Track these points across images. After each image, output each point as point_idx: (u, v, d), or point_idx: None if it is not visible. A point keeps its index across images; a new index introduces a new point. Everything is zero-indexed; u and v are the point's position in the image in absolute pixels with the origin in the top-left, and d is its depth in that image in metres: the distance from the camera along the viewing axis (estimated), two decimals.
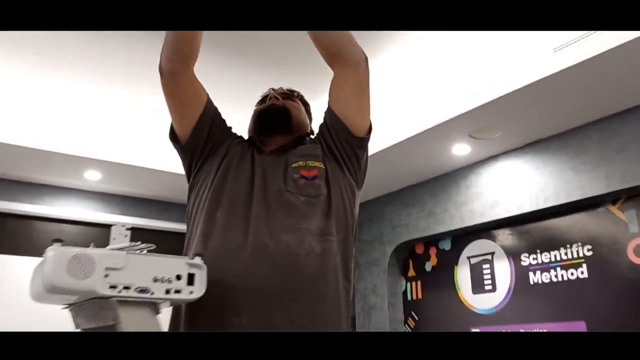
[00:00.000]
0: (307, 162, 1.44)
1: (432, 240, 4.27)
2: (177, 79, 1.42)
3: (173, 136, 1.50)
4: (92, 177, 3.90)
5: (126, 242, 1.15)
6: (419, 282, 4.34)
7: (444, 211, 4.02)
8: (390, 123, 3.50)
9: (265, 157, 1.48)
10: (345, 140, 1.44)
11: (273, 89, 1.68)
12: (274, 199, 1.36)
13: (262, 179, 1.41)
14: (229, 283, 1.24)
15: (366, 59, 1.44)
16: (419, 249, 4.41)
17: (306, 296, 1.26)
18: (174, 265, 1.11)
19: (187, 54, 1.40)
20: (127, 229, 1.18)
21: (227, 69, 3.43)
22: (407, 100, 3.43)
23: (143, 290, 1.06)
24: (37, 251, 3.70)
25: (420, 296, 4.31)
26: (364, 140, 1.46)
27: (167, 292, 1.08)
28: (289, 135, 1.54)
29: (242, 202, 1.36)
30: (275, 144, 1.52)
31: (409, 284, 4.43)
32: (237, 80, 3.51)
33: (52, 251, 1.00)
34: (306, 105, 1.72)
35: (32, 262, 3.12)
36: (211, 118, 1.48)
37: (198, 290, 1.12)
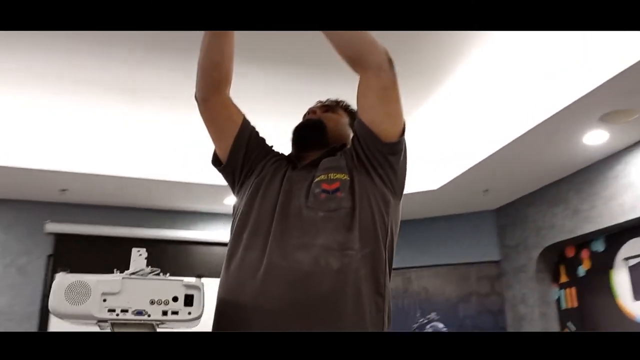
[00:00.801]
0: (329, 174, 1.40)
1: (583, 242, 3.82)
2: (209, 105, 1.49)
3: (215, 160, 1.57)
4: (230, 202, 4.23)
5: (142, 266, 1.23)
6: (573, 289, 3.90)
7: (591, 208, 3.57)
8: (508, 116, 3.24)
9: (296, 173, 1.47)
10: (374, 148, 1.37)
11: (320, 101, 1.68)
12: (293, 216, 1.35)
13: (286, 195, 1.41)
14: (244, 304, 1.25)
15: (390, 60, 1.35)
16: (569, 252, 3.97)
17: (320, 314, 1.22)
18: (170, 287, 1.16)
19: (216, 81, 1.47)
20: (140, 254, 1.25)
21: (285, 81, 3.39)
22: (522, 90, 3.15)
23: (139, 313, 1.13)
24: (194, 272, 4.10)
25: (575, 304, 3.86)
26: (395, 146, 1.37)
27: (164, 313, 1.13)
28: (324, 149, 1.52)
29: (265, 222, 1.36)
30: (309, 158, 1.51)
31: (562, 291, 4.00)
32: (293, 92, 3.48)
33: (56, 280, 1.12)
34: (352, 114, 1.68)
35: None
36: (246, 139, 1.51)
37: (196, 310, 1.15)
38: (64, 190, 3.99)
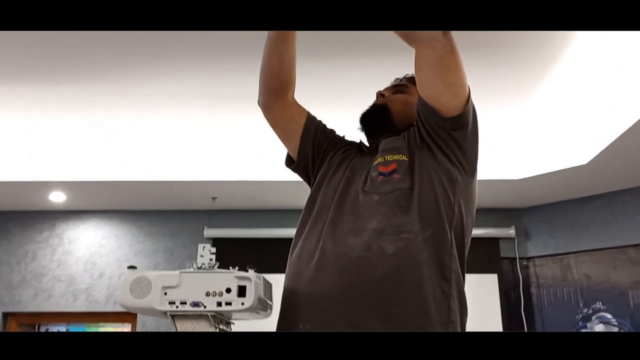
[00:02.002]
0: (386, 156, 1.38)
1: None
2: (271, 111, 1.55)
3: (287, 161, 1.61)
4: None
5: (207, 260, 1.31)
6: None
7: None
8: None
9: (360, 160, 1.47)
10: (436, 124, 1.31)
11: (398, 78, 1.63)
12: (350, 202, 1.35)
13: (347, 182, 1.41)
14: (299, 291, 1.27)
15: (444, 32, 1.28)
16: None
17: (372, 300, 1.20)
18: (223, 279, 1.22)
19: (276, 89, 1.52)
20: (205, 249, 1.32)
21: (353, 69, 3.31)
22: None
23: (196, 304, 1.21)
24: None
25: None
26: (458, 119, 1.30)
27: (219, 304, 1.20)
28: (390, 132, 1.48)
29: (325, 211, 1.38)
30: (375, 144, 1.49)
31: None
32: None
33: (123, 276, 1.24)
34: None
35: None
36: (312, 136, 1.54)
37: (249, 300, 1.20)
38: (214, 198, 4.36)
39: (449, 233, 1.26)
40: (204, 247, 1.34)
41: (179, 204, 4.56)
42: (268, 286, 1.33)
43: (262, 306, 1.27)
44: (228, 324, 1.38)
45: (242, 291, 1.21)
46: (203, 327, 1.20)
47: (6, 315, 4.52)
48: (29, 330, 4.84)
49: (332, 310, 1.21)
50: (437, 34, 1.25)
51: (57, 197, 4.39)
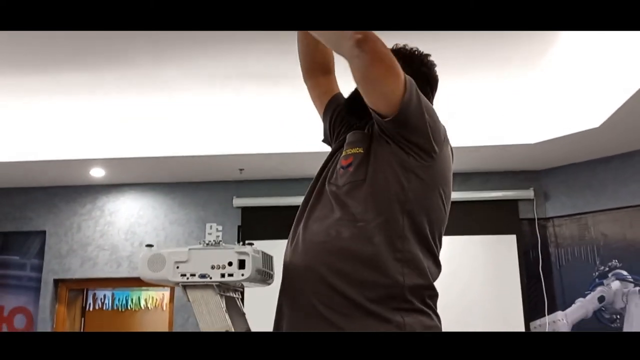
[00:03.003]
0: (347, 150, 1.48)
1: None
2: (307, 86, 1.68)
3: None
4: None
5: (213, 237, 1.51)
6: None
7: None
8: None
9: (341, 150, 1.58)
10: (382, 125, 1.38)
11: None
12: (323, 192, 1.47)
13: (328, 172, 1.51)
14: (285, 270, 1.45)
15: (359, 41, 1.24)
16: None
17: (329, 278, 1.33)
18: (225, 254, 1.42)
19: (310, 69, 1.66)
20: (212, 228, 1.51)
21: None
22: None
23: (203, 276, 1.42)
24: None
25: None
26: (397, 119, 1.33)
27: (222, 275, 1.41)
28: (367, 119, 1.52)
29: (309, 197, 1.52)
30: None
31: None
32: None
33: (141, 254, 1.46)
34: (414, 60, 1.52)
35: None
36: (329, 119, 1.64)
37: (248, 272, 1.40)
38: (241, 169, 4.59)
39: (401, 218, 1.34)
40: (211, 225, 1.54)
41: (208, 176, 4.82)
42: (267, 258, 1.53)
43: (262, 276, 1.47)
44: (236, 291, 1.60)
45: (242, 264, 1.41)
46: (209, 295, 1.41)
47: (57, 281, 4.92)
48: (78, 294, 5.26)
49: (300, 287, 1.37)
50: (354, 50, 1.25)
51: (97, 173, 4.71)
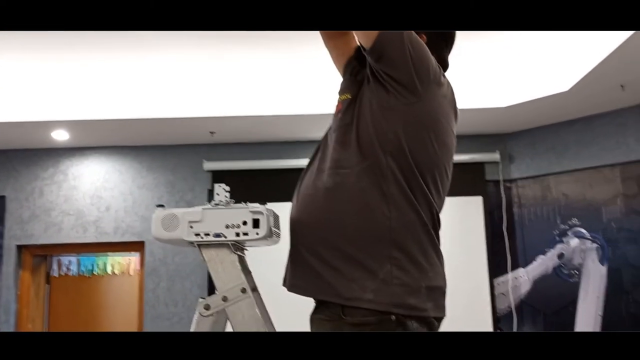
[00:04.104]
0: (339, 97, 1.50)
1: None
2: (328, 49, 1.65)
3: None
4: None
5: (223, 198, 1.51)
6: None
7: None
8: None
9: None
10: (367, 58, 1.39)
11: None
12: (323, 145, 1.48)
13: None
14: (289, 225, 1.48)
15: None
16: None
17: (317, 230, 1.36)
18: (239, 214, 1.43)
19: (323, 32, 1.63)
20: (222, 188, 1.52)
21: None
22: None
23: (218, 235, 1.42)
24: None
25: None
26: (372, 52, 1.34)
27: (237, 235, 1.42)
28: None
29: (314, 153, 1.54)
30: None
31: None
32: None
33: (154, 214, 1.45)
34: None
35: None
36: (349, 73, 1.57)
37: (262, 230, 1.42)
38: (212, 132, 4.53)
39: (384, 160, 1.31)
40: (219, 186, 1.54)
41: (178, 139, 4.74)
42: (277, 218, 1.54)
43: (273, 235, 1.49)
44: (243, 250, 1.62)
45: (256, 223, 1.42)
46: (225, 253, 1.43)
47: (20, 247, 4.78)
48: (42, 261, 5.14)
49: (295, 241, 1.42)
50: None
51: (60, 135, 4.55)
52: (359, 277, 1.27)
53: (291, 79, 4.09)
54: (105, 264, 5.77)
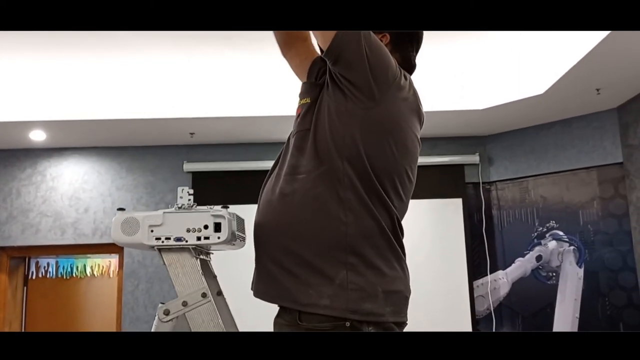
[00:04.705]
0: (299, 101, 1.49)
1: None
2: (287, 59, 1.65)
3: None
4: None
5: (185, 201, 1.50)
6: None
7: None
8: None
9: None
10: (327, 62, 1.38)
11: None
12: (284, 150, 1.47)
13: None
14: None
15: None
16: None
17: (275, 236, 1.35)
18: (201, 217, 1.42)
19: (284, 41, 1.63)
20: (189, 192, 1.52)
21: None
22: None
23: (179, 239, 1.41)
24: None
25: None
26: (329, 52, 1.33)
27: (198, 239, 1.41)
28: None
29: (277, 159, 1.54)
30: None
31: None
32: None
33: (114, 217, 1.43)
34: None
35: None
36: (313, 79, 1.56)
37: (224, 234, 1.41)
38: (192, 133, 4.51)
39: (341, 166, 1.30)
40: (182, 189, 1.53)
41: (158, 140, 4.70)
42: (241, 221, 1.54)
43: (236, 239, 1.48)
44: (207, 254, 1.61)
45: (217, 227, 1.41)
46: (185, 258, 1.41)
47: None
48: (19, 263, 5.08)
49: (256, 246, 1.41)
50: None
51: (37, 136, 4.50)
52: (316, 282, 1.26)
53: (270, 81, 4.08)
54: (84, 266, 5.71)
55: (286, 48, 1.63)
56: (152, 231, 1.41)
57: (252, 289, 1.43)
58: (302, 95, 1.48)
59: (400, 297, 1.33)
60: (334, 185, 1.31)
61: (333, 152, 1.31)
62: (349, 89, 1.32)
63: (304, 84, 1.53)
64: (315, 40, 1.44)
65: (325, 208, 1.30)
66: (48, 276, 5.52)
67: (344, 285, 1.25)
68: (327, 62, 1.37)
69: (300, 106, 1.45)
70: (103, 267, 5.76)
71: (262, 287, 1.38)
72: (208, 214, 1.42)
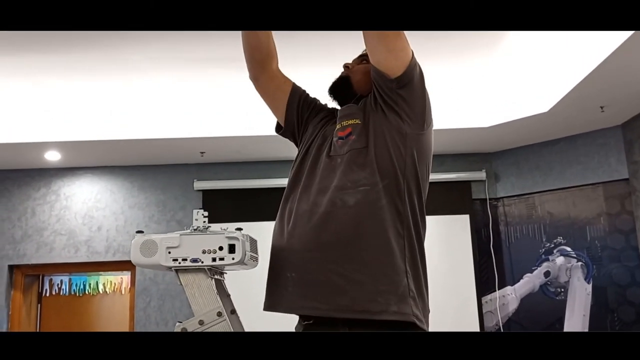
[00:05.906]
0: (342, 123, 1.58)
1: None
2: (259, 82, 1.74)
3: (277, 127, 1.80)
4: None
5: (201, 224, 1.57)
6: None
7: None
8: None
9: (330, 127, 1.64)
10: (385, 86, 1.49)
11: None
12: (319, 166, 1.55)
13: (317, 149, 1.59)
14: (282, 246, 1.52)
15: None
16: None
17: (340, 246, 1.42)
18: (216, 239, 1.49)
19: (259, 61, 1.71)
20: (204, 215, 1.59)
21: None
22: None
23: (195, 260, 1.48)
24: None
25: None
26: (403, 77, 1.47)
27: (214, 260, 1.48)
28: (357, 99, 1.64)
29: (301, 176, 1.59)
30: None
31: None
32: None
33: (133, 240, 1.50)
34: None
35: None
36: (297, 104, 1.71)
37: (238, 255, 1.48)
38: (203, 152, 4.60)
39: (402, 181, 1.46)
40: (197, 211, 1.60)
41: (169, 159, 4.80)
42: (254, 242, 1.60)
43: (250, 260, 1.55)
44: (222, 274, 1.67)
45: (232, 248, 1.48)
46: (201, 278, 1.48)
47: (12, 267, 4.81)
48: (34, 280, 5.16)
49: (309, 259, 1.44)
50: None
51: (52, 156, 4.60)
52: (385, 290, 1.38)
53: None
54: (97, 283, 5.79)
55: (261, 70, 1.69)
56: (169, 252, 1.48)
57: (284, 307, 1.48)
58: (351, 116, 1.57)
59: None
60: (394, 200, 1.44)
61: (396, 169, 1.46)
62: (407, 113, 1.47)
63: (348, 106, 1.61)
64: (370, 57, 1.52)
65: (388, 220, 1.42)
66: (61, 293, 5.59)
67: (406, 293, 1.39)
68: (389, 84, 1.47)
69: (350, 126, 1.54)
70: (115, 284, 5.84)
71: (316, 303, 1.41)
72: (222, 235, 1.48)
